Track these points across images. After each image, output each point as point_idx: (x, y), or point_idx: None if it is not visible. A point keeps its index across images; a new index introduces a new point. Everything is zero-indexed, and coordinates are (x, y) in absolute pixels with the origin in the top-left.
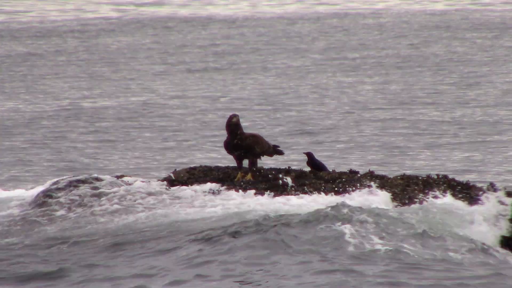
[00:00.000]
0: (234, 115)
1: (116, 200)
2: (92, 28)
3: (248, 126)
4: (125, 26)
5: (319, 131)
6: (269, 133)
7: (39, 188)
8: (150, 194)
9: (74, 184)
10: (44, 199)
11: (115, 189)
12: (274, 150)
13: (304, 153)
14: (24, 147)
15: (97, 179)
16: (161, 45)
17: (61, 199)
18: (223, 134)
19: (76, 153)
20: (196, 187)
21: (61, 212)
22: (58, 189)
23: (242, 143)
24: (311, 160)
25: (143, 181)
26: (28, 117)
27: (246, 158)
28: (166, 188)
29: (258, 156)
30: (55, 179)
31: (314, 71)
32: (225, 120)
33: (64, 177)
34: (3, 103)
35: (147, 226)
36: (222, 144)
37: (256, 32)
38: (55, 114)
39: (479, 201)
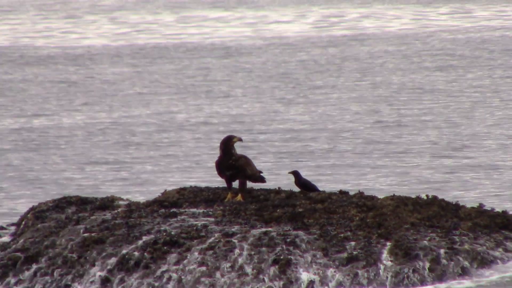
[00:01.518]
0: (233, 136)
1: None
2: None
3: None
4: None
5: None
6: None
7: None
8: None
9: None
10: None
11: None
12: (259, 176)
13: (289, 173)
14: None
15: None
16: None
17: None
18: (215, 155)
19: (62, 175)
20: None
21: None
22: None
23: (236, 163)
24: (298, 179)
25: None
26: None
27: (237, 178)
28: None
29: (248, 178)
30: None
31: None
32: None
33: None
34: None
35: None
36: (212, 164)
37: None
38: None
39: None
